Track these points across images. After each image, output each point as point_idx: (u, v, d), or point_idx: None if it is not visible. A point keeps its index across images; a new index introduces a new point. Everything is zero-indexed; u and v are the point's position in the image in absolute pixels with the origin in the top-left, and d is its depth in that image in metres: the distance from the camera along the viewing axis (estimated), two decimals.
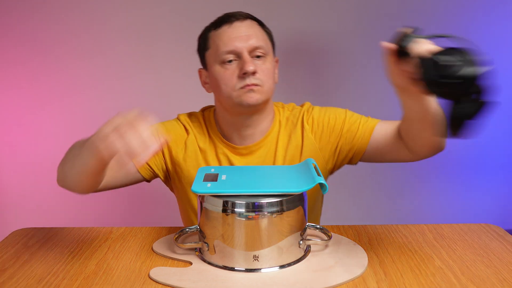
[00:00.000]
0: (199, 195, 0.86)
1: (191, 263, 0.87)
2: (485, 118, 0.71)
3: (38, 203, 1.85)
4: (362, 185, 1.86)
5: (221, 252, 0.84)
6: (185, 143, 1.10)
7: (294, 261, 0.86)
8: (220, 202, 0.83)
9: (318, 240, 0.91)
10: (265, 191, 0.83)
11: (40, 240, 1.00)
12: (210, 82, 1.09)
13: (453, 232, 1.02)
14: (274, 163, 1.10)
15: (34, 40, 1.71)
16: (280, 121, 1.12)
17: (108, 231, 1.04)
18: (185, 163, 1.10)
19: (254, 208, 0.81)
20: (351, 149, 1.09)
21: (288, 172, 0.93)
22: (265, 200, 0.82)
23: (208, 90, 1.12)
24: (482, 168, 1.84)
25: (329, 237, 0.91)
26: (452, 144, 1.83)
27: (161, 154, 1.10)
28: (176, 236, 0.91)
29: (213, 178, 0.89)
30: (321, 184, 0.84)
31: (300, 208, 0.85)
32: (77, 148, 0.90)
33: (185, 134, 1.11)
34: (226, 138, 1.11)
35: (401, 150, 1.03)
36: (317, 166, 0.92)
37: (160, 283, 0.81)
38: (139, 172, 1.08)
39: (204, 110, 1.17)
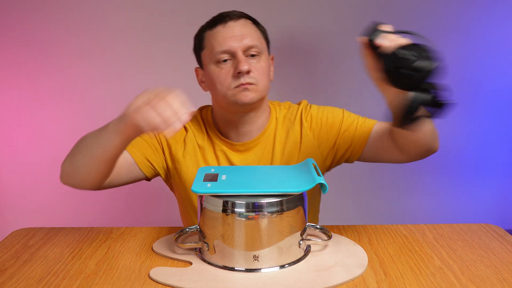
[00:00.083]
0: (199, 195, 0.86)
1: (191, 263, 0.87)
2: (439, 110, 0.78)
3: (38, 203, 1.85)
4: (362, 185, 1.87)
5: (221, 252, 0.84)
6: (184, 141, 1.11)
7: (294, 261, 0.86)
8: (220, 202, 0.83)
9: (318, 240, 0.91)
10: (265, 191, 0.83)
11: (40, 240, 1.00)
12: (206, 81, 1.10)
13: (453, 232, 1.02)
14: (272, 160, 1.11)
15: (34, 40, 1.71)
16: (277, 118, 1.14)
17: (108, 231, 1.04)
18: (185, 160, 1.11)
19: (254, 208, 0.81)
20: (349, 148, 1.10)
21: (288, 172, 0.93)
22: (265, 200, 0.82)
23: (204, 89, 1.13)
24: (482, 168, 1.84)
25: (329, 237, 0.91)
26: (452, 144, 1.84)
27: (161, 151, 1.11)
28: (176, 236, 0.91)
29: (213, 178, 0.89)
30: (321, 184, 0.84)
31: (300, 208, 0.85)
32: (91, 138, 0.93)
33: (184, 132, 1.12)
34: (223, 135, 1.12)
35: (393, 150, 1.05)
36: (317, 166, 0.92)
37: (160, 283, 0.81)
38: (140, 170, 1.09)
39: (201, 109, 1.18)
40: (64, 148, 1.80)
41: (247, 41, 1.03)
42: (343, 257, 0.88)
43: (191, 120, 1.14)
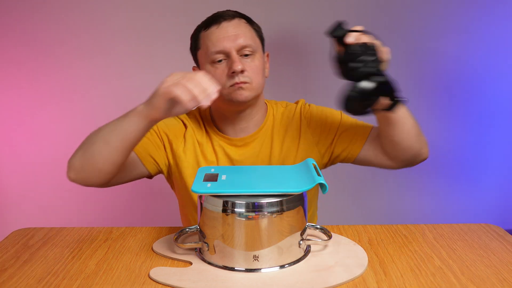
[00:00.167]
0: (199, 195, 0.86)
1: (191, 263, 0.87)
2: (389, 102, 0.86)
3: (38, 203, 1.84)
4: (362, 185, 1.87)
5: (221, 252, 0.84)
6: (184, 137, 1.13)
7: (294, 261, 0.86)
8: (220, 202, 0.83)
9: (318, 240, 0.91)
10: (265, 191, 0.83)
11: (40, 240, 1.00)
12: None
13: (453, 232, 1.02)
14: (270, 155, 1.13)
15: (34, 40, 1.71)
16: (274, 115, 1.17)
17: (108, 231, 1.04)
18: (185, 156, 1.12)
19: (254, 208, 0.81)
20: (345, 149, 1.13)
21: (288, 172, 0.93)
22: (265, 200, 0.82)
23: None
24: (482, 168, 1.84)
25: (329, 237, 0.91)
26: (452, 144, 1.84)
27: (163, 148, 1.12)
28: (176, 236, 0.91)
29: (213, 178, 0.89)
30: (321, 184, 0.84)
31: (300, 208, 0.85)
32: (109, 128, 0.95)
33: (184, 128, 1.14)
34: (221, 131, 1.15)
35: (382, 155, 1.09)
36: (317, 166, 0.92)
37: (160, 283, 0.81)
38: (144, 166, 1.10)
39: (200, 107, 1.20)
40: (64, 148, 1.80)
41: (241, 41, 1.05)
42: (343, 257, 0.88)
43: (190, 118, 1.16)
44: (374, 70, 0.84)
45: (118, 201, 1.85)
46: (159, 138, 1.12)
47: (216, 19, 1.08)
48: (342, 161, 1.16)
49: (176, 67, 1.70)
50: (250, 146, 1.14)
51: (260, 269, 0.83)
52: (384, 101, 0.87)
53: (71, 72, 1.74)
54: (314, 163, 0.93)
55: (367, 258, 0.88)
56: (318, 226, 0.96)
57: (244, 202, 0.82)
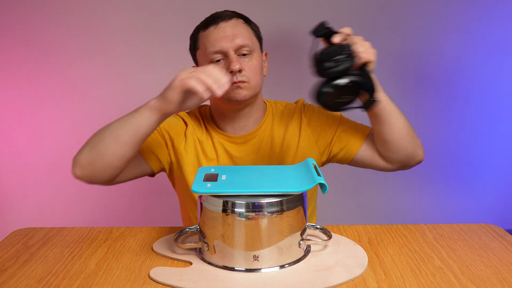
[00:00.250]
0: (199, 195, 0.86)
1: (191, 263, 0.87)
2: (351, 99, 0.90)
3: (38, 203, 1.85)
4: (362, 185, 1.87)
5: (221, 252, 0.84)
6: (185, 134, 1.14)
7: (294, 261, 0.86)
8: (220, 202, 0.83)
9: (318, 240, 0.91)
10: (265, 191, 0.83)
11: (40, 240, 1.00)
12: None
13: (453, 232, 1.02)
14: (270, 152, 1.14)
15: (34, 40, 1.71)
16: (273, 114, 1.18)
17: (108, 231, 1.04)
18: (186, 153, 1.13)
19: (254, 208, 0.81)
20: (343, 149, 1.14)
21: (288, 172, 0.93)
22: (265, 200, 0.82)
23: None
24: (482, 168, 1.84)
25: (329, 237, 0.91)
26: (452, 144, 1.84)
27: (165, 145, 1.13)
28: (176, 236, 0.91)
29: (213, 178, 0.89)
30: (321, 184, 0.84)
31: (300, 208, 0.85)
32: (119, 123, 0.97)
33: (184, 126, 1.16)
34: (221, 129, 1.16)
35: (377, 156, 1.12)
36: (317, 166, 0.92)
37: (160, 283, 0.81)
38: (147, 164, 1.11)
39: (200, 107, 1.22)
40: (64, 148, 1.81)
41: (238, 41, 1.07)
42: (343, 257, 0.88)
43: (191, 116, 1.18)
44: (347, 70, 0.88)
45: (118, 201, 1.85)
46: (161, 136, 1.13)
47: (214, 19, 1.09)
48: (339, 161, 1.18)
49: (176, 67, 1.69)
50: (250, 143, 1.15)
51: (260, 269, 0.83)
52: (362, 98, 0.91)
53: (71, 72, 1.74)
54: (314, 163, 0.93)
55: (367, 258, 0.88)
56: (318, 226, 0.96)
57: (244, 202, 0.82)
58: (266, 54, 1.18)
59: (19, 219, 1.84)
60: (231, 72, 1.06)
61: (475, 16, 1.70)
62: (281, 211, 0.82)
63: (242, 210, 0.81)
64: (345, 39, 0.92)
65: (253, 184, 0.87)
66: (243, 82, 1.07)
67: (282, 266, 0.84)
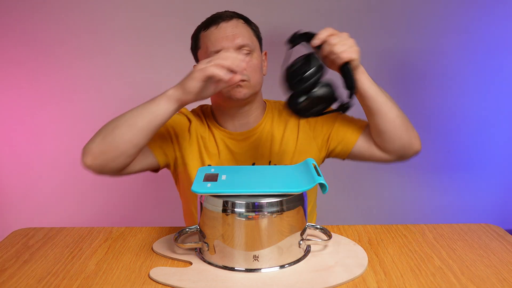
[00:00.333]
0: (199, 195, 0.86)
1: (191, 263, 0.87)
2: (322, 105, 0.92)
3: (38, 203, 1.85)
4: (362, 185, 1.87)
5: (221, 252, 0.84)
6: (189, 131, 1.17)
7: (294, 261, 0.86)
8: (220, 202, 0.83)
9: (318, 240, 0.91)
10: (265, 191, 0.83)
11: (40, 240, 1.00)
12: None
13: (453, 232, 1.02)
14: (270, 148, 1.16)
15: (34, 40, 1.71)
16: (272, 112, 1.21)
17: (108, 231, 1.04)
18: (190, 149, 1.15)
19: (254, 208, 0.81)
20: (340, 143, 1.16)
21: (288, 172, 0.93)
22: (265, 200, 0.82)
23: None
24: (482, 168, 1.84)
25: (329, 237, 0.91)
26: (452, 144, 1.84)
27: (170, 141, 1.15)
28: (176, 236, 0.91)
29: (213, 178, 0.89)
30: (321, 184, 0.84)
31: (300, 208, 0.85)
32: (135, 112, 0.98)
33: (188, 123, 1.18)
34: (222, 127, 1.18)
35: (374, 147, 1.13)
36: (317, 166, 0.92)
37: (160, 283, 0.81)
38: (155, 157, 1.12)
39: (201, 106, 1.25)
40: (64, 148, 1.81)
41: (239, 41, 1.09)
42: (343, 257, 0.88)
43: (193, 114, 1.20)
44: (317, 82, 0.90)
45: (118, 201, 1.85)
46: (167, 132, 1.15)
47: (214, 20, 1.11)
48: (338, 155, 1.20)
49: (176, 67, 1.70)
50: (250, 140, 1.17)
51: (260, 269, 0.83)
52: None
53: (71, 72, 1.74)
54: (314, 163, 0.93)
55: (367, 258, 0.88)
56: (318, 226, 0.96)
57: (244, 202, 0.82)
58: (265, 54, 1.20)
59: (19, 219, 1.84)
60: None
61: (475, 16, 1.70)
62: (281, 211, 0.82)
63: (242, 210, 0.81)
64: (325, 41, 0.93)
65: (253, 184, 0.87)
66: (243, 81, 1.08)
67: (282, 266, 0.84)
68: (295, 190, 0.84)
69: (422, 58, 1.74)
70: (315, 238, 0.94)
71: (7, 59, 1.72)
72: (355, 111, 1.13)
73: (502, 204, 1.87)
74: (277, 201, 0.82)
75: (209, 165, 1.15)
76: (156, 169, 1.17)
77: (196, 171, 1.11)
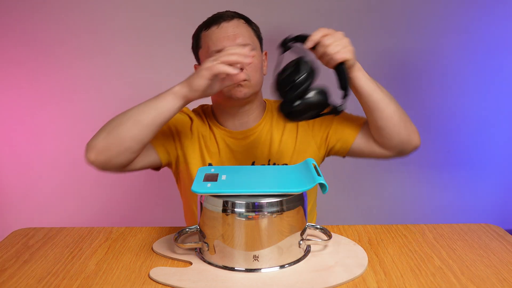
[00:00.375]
0: (199, 195, 0.86)
1: (191, 263, 0.87)
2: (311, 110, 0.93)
3: (38, 203, 1.85)
4: (362, 185, 1.87)
5: (221, 252, 0.84)
6: (191, 129, 1.18)
7: (294, 261, 0.86)
8: (220, 202, 0.83)
9: (318, 240, 0.91)
10: (265, 191, 0.83)
11: (40, 240, 1.00)
12: None
13: (453, 232, 1.02)
14: (270, 147, 1.17)
15: (34, 40, 1.71)
16: (272, 111, 1.21)
17: (108, 231, 1.04)
18: (192, 147, 1.17)
19: (254, 208, 0.81)
20: (339, 140, 1.17)
21: (288, 172, 0.93)
22: (265, 200, 0.82)
23: None
24: (482, 168, 1.84)
25: (329, 237, 0.91)
26: (452, 144, 1.84)
27: (172, 139, 1.16)
28: (176, 236, 0.91)
29: (213, 178, 0.89)
30: (321, 184, 0.84)
31: (300, 208, 0.85)
32: (141, 108, 0.99)
33: (190, 121, 1.19)
34: (222, 126, 1.19)
35: (374, 143, 1.13)
36: (317, 166, 0.92)
37: (160, 283, 0.81)
38: (157, 154, 1.13)
39: (202, 106, 1.26)
40: (64, 148, 1.81)
41: (240, 41, 1.09)
42: (343, 257, 0.88)
43: (194, 113, 1.21)
44: (308, 88, 0.90)
45: (118, 201, 1.85)
46: (169, 130, 1.16)
47: (216, 19, 1.12)
48: (337, 153, 1.20)
49: (176, 67, 1.70)
50: (250, 138, 1.17)
51: (260, 269, 0.83)
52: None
53: (71, 72, 1.74)
54: (314, 163, 0.93)
55: (367, 258, 0.88)
56: (318, 226, 0.96)
57: (244, 202, 0.81)
58: (265, 54, 1.21)
59: (19, 219, 1.84)
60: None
61: (475, 16, 1.70)
62: (281, 211, 0.82)
63: (242, 210, 0.81)
64: (318, 42, 0.94)
65: (253, 184, 0.87)
66: (244, 80, 1.07)
67: (282, 266, 0.84)
68: (295, 190, 0.84)
69: (422, 58, 1.74)
70: (315, 238, 0.94)
71: (7, 59, 1.73)
72: (355, 107, 1.13)
73: (502, 204, 1.87)
74: (277, 201, 0.82)
75: (209, 164, 1.16)
76: (157, 167, 1.18)
77: (197, 169, 1.11)
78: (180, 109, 1.01)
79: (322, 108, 0.93)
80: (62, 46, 1.72)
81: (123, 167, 1.04)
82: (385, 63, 1.73)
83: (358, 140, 1.15)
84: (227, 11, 1.14)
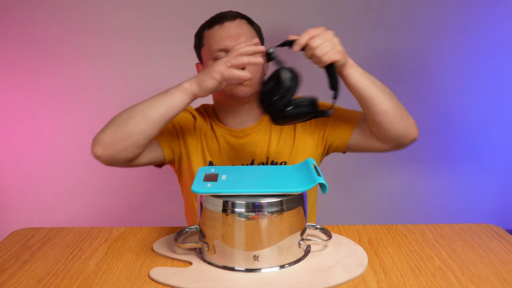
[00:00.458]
0: (199, 195, 0.86)
1: (191, 263, 0.87)
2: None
3: (38, 203, 1.84)
4: (362, 185, 1.87)
5: (221, 252, 0.84)
6: (194, 127, 1.20)
7: (294, 261, 0.86)
8: (220, 202, 0.83)
9: (318, 240, 0.91)
10: (265, 191, 0.83)
11: (40, 240, 1.00)
12: None
13: (453, 232, 1.02)
14: (268, 145, 1.18)
15: (34, 40, 1.71)
16: None
17: (108, 231, 1.04)
18: (195, 145, 1.18)
19: (254, 208, 0.81)
20: (336, 138, 1.18)
21: (288, 172, 0.93)
22: (265, 200, 0.82)
23: None
24: (482, 168, 1.84)
25: (329, 237, 0.91)
26: (452, 144, 1.84)
27: (176, 137, 1.17)
28: (176, 236, 0.91)
29: (213, 178, 0.89)
30: (321, 184, 0.84)
31: (300, 208, 0.85)
32: (149, 104, 1.01)
33: (193, 119, 1.21)
34: (223, 124, 1.21)
35: (371, 136, 1.13)
36: (317, 166, 0.92)
37: (160, 283, 0.81)
38: (162, 151, 1.15)
39: (204, 105, 1.28)
40: (64, 148, 1.81)
41: (242, 40, 1.10)
42: (343, 257, 0.88)
43: (197, 112, 1.23)
44: (289, 102, 0.93)
45: (118, 202, 1.85)
46: (173, 128, 1.17)
47: (219, 19, 1.13)
48: (336, 149, 1.21)
49: (176, 67, 1.70)
50: (250, 137, 1.19)
51: (260, 269, 0.83)
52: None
53: (71, 72, 1.74)
54: (314, 163, 0.93)
55: (367, 258, 0.88)
56: (318, 226, 0.96)
57: (244, 202, 0.82)
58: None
59: (19, 219, 1.84)
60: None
61: (475, 16, 1.70)
62: (281, 211, 0.82)
63: (242, 210, 0.81)
64: (306, 44, 0.94)
65: (253, 184, 0.87)
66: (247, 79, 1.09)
67: (282, 266, 0.84)
68: (295, 190, 0.84)
69: (422, 58, 1.74)
70: (315, 238, 0.94)
71: (7, 59, 1.72)
72: (352, 102, 1.14)
73: (502, 204, 1.87)
74: (277, 201, 0.82)
75: (210, 161, 1.17)
76: (161, 164, 1.20)
77: (199, 167, 1.13)
78: (187, 106, 1.02)
79: (306, 117, 0.96)
80: (62, 46, 1.71)
81: (128, 162, 1.05)
82: (385, 63, 1.73)
83: (355, 135, 1.16)
84: (230, 11, 1.16)
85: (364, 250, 0.91)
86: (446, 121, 1.79)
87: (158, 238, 0.99)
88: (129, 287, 0.80)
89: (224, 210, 0.82)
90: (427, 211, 1.87)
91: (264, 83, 0.98)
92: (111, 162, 1.03)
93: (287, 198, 0.83)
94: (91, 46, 1.72)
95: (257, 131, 1.19)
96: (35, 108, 1.77)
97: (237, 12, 1.16)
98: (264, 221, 0.82)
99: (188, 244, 0.89)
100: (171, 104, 1.00)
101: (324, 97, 1.07)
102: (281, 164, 1.17)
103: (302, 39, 0.93)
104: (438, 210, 1.86)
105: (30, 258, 0.92)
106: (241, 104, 1.16)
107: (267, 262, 0.83)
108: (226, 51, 1.10)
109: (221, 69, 0.94)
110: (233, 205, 0.82)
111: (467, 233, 1.01)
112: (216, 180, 0.88)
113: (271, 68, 1.21)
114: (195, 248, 0.91)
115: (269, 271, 0.83)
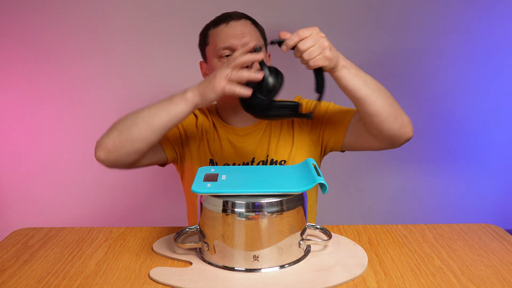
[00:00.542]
0: (199, 195, 0.86)
1: (191, 263, 0.87)
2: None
3: (38, 203, 1.85)
4: (362, 185, 1.87)
5: (221, 252, 0.84)
6: (196, 126, 1.22)
7: (294, 261, 0.86)
8: (220, 202, 0.83)
9: (318, 240, 0.91)
10: (265, 191, 0.83)
11: (40, 240, 1.00)
12: (209, 73, 1.21)
13: (453, 232, 1.02)
14: (269, 143, 1.20)
15: (34, 40, 1.71)
16: None
17: (108, 231, 1.04)
18: (197, 143, 1.20)
19: (254, 208, 0.81)
20: (331, 137, 1.19)
21: (288, 172, 0.94)
22: (265, 200, 0.82)
23: None
24: (482, 168, 1.84)
25: (329, 237, 0.91)
26: (452, 144, 1.84)
27: (179, 136, 1.19)
28: (176, 236, 0.91)
29: (213, 178, 0.89)
30: (321, 184, 0.84)
31: (300, 208, 0.85)
32: (152, 111, 1.01)
33: (195, 119, 1.24)
34: (225, 122, 1.23)
35: (365, 134, 1.12)
36: (317, 166, 0.92)
37: (160, 283, 0.81)
38: (164, 151, 1.17)
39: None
40: (64, 148, 1.81)
41: (247, 39, 1.12)
42: (343, 257, 0.88)
43: (199, 111, 1.25)
44: (270, 106, 0.95)
45: (118, 202, 1.85)
46: (176, 128, 1.19)
47: (225, 18, 1.16)
48: (333, 148, 1.22)
49: (176, 67, 1.71)
50: (251, 135, 1.20)
51: (260, 269, 0.83)
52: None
53: (71, 72, 1.74)
54: (314, 163, 0.93)
55: (367, 258, 0.88)
56: (318, 226, 0.96)
57: (244, 202, 0.82)
58: (269, 56, 1.24)
59: (19, 219, 1.84)
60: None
61: (475, 16, 1.70)
62: (281, 211, 0.82)
63: (242, 210, 0.82)
64: (294, 45, 0.92)
65: (253, 184, 0.87)
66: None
67: (282, 266, 0.84)
68: (295, 190, 0.84)
69: (422, 58, 1.74)
70: (315, 238, 0.94)
71: (7, 59, 1.73)
72: (347, 99, 1.13)
73: (502, 204, 1.87)
74: (277, 201, 0.82)
75: (210, 159, 1.18)
76: (163, 163, 1.21)
77: (201, 166, 1.14)
78: (189, 114, 1.03)
79: (288, 117, 0.98)
80: (62, 46, 1.72)
81: (131, 165, 1.07)
82: (385, 63, 1.73)
83: (349, 134, 1.16)
84: (235, 11, 1.18)
85: (364, 250, 0.91)
86: (446, 121, 1.79)
87: (158, 238, 0.99)
88: (129, 287, 0.80)
89: (224, 210, 0.82)
90: (427, 211, 1.87)
91: (247, 83, 0.97)
92: (114, 165, 1.05)
93: (287, 198, 0.83)
94: (91, 46, 1.72)
95: (258, 129, 1.21)
96: (35, 108, 1.77)
97: (242, 13, 1.18)
98: (264, 221, 0.82)
99: (188, 244, 0.89)
100: (173, 113, 1.00)
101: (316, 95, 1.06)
102: (281, 162, 1.18)
103: (291, 41, 0.91)
104: (438, 210, 1.86)
105: (30, 258, 0.92)
106: None
107: (267, 262, 0.83)
108: (231, 49, 1.12)
109: (223, 85, 0.94)
110: (233, 205, 0.82)
111: (467, 233, 1.01)
112: (216, 180, 0.88)
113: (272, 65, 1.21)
114: (195, 248, 0.91)
115: (269, 271, 0.83)
